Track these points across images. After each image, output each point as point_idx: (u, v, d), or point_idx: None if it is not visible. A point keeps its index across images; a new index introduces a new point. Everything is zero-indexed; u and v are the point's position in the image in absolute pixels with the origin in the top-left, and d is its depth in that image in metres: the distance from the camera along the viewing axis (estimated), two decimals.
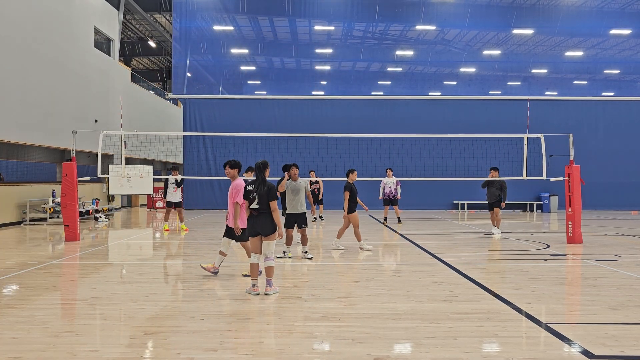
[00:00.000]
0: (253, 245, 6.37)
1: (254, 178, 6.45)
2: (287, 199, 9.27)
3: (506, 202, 12.97)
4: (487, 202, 13.23)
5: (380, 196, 16.36)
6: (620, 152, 23.06)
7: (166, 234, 13.29)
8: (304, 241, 9.31)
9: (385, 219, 16.55)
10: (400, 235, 13.10)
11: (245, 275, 7.36)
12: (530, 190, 22.67)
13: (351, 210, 10.05)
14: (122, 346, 4.39)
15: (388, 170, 16.25)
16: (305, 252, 9.27)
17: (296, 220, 9.24)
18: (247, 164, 9.13)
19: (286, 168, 9.40)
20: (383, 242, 11.66)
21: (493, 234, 12.91)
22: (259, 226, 6.25)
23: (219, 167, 22.47)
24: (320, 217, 16.57)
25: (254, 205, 6.26)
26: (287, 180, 9.31)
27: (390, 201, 16.27)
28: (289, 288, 6.68)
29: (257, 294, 6.22)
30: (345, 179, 10.20)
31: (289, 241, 9.23)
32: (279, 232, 6.36)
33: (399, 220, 16.31)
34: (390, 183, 16.11)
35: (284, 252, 9.26)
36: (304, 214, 9.26)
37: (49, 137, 17.37)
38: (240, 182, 7.19)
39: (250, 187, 6.34)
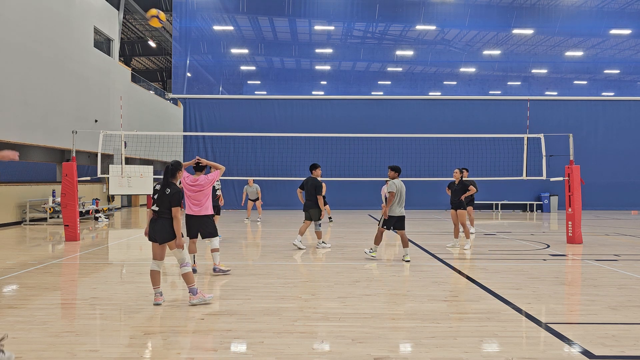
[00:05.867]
0: (153, 250, 5.82)
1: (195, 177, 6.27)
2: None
3: (476, 201, 13.81)
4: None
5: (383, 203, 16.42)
6: (620, 152, 23.06)
7: None
8: (404, 243, 8.97)
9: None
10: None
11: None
12: (530, 190, 22.68)
13: (464, 206, 10.37)
14: (122, 346, 4.39)
15: (387, 182, 16.24)
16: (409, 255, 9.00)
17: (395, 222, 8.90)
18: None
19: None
20: (383, 242, 11.65)
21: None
22: (156, 232, 5.69)
23: None
24: (330, 218, 16.62)
25: (154, 207, 5.72)
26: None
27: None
28: (289, 288, 6.67)
29: (159, 304, 5.74)
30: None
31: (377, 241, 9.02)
32: (178, 242, 5.66)
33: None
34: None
35: (371, 249, 9.09)
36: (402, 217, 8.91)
37: (49, 137, 17.36)
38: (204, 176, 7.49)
39: (157, 187, 5.79)
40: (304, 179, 10.81)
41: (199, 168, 7.56)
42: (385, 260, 8.98)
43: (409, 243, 9.02)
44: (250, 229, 14.48)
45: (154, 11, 8.31)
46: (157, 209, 5.70)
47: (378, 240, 9.03)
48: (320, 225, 10.51)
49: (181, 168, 5.95)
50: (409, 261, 8.74)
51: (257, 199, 16.77)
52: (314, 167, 10.51)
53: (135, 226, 16.18)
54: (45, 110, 17.14)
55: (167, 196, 5.65)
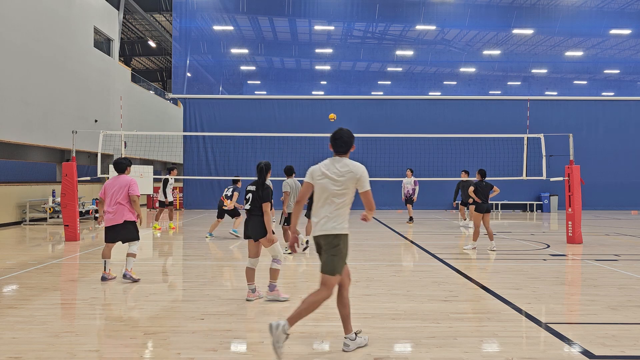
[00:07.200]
0: (249, 248, 6.09)
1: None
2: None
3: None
4: (461, 201, 14.97)
5: (402, 197, 16.47)
6: (620, 152, 23.05)
7: (157, 233, 13.46)
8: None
9: (410, 218, 16.41)
10: (401, 235, 13.10)
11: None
12: (530, 190, 22.67)
13: (477, 207, 10.09)
14: (122, 346, 4.39)
15: (407, 171, 16.32)
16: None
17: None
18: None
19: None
20: (383, 242, 11.65)
21: (461, 226, 14.82)
22: (250, 229, 5.96)
23: (219, 167, 22.50)
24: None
25: (247, 206, 6.03)
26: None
27: (407, 201, 16.28)
28: (289, 288, 6.67)
29: (250, 300, 5.92)
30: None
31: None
32: (269, 236, 5.90)
33: (410, 219, 16.37)
34: (408, 183, 16.21)
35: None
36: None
37: (49, 137, 17.36)
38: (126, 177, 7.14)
39: (249, 188, 6.14)
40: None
41: (120, 169, 7.14)
42: (385, 261, 8.97)
43: None
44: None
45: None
46: (249, 207, 6.01)
47: (287, 237, 9.73)
48: None
49: (271, 168, 6.29)
50: (291, 253, 9.37)
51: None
52: None
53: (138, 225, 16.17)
54: (45, 110, 17.14)
55: (259, 194, 5.93)
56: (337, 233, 4.18)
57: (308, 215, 10.48)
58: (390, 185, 19.85)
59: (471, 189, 10.19)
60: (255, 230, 5.91)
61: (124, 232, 7.03)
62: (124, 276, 6.98)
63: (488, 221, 10.13)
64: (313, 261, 9.00)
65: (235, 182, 12.07)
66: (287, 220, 9.55)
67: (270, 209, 5.91)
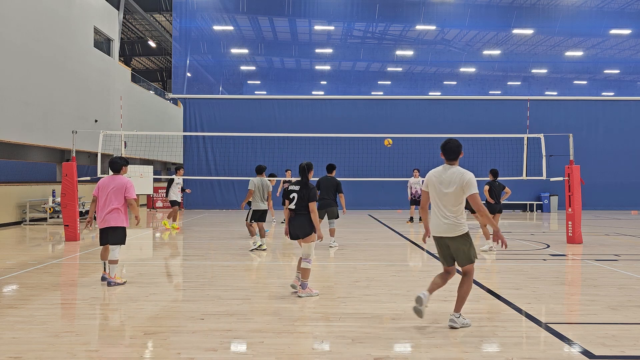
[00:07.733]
0: (300, 245, 6.32)
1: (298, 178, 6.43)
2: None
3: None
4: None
5: (409, 196, 16.40)
6: (620, 152, 23.04)
7: (175, 232, 13.53)
8: (262, 234, 10.18)
9: (411, 219, 16.42)
10: (400, 235, 13.10)
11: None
12: (530, 190, 22.65)
13: (490, 208, 10.05)
14: (122, 346, 4.39)
15: (414, 171, 16.32)
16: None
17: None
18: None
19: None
20: (383, 242, 11.65)
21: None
22: (297, 228, 6.16)
23: (219, 167, 22.52)
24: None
25: (291, 206, 6.19)
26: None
27: (415, 201, 16.22)
28: (289, 288, 6.67)
29: (295, 289, 6.25)
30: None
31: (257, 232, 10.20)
32: (318, 233, 6.19)
33: (411, 219, 16.41)
34: (416, 183, 16.17)
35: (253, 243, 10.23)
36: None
37: (49, 137, 17.36)
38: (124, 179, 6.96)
39: (292, 187, 6.26)
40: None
41: (116, 169, 6.95)
42: (385, 261, 8.98)
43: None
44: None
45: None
46: (294, 207, 6.18)
47: (253, 232, 10.25)
48: (333, 222, 10.67)
49: (312, 167, 6.41)
50: (265, 249, 9.98)
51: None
52: (332, 167, 10.64)
53: (135, 226, 16.17)
54: (45, 110, 17.13)
55: (306, 194, 6.14)
56: (462, 234, 4.90)
57: (322, 216, 10.41)
58: (390, 185, 19.87)
59: (486, 187, 10.11)
60: (303, 228, 6.13)
61: (112, 235, 6.88)
62: (108, 284, 6.68)
63: (497, 222, 10.19)
64: (313, 262, 9.00)
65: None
66: (252, 217, 10.00)
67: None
